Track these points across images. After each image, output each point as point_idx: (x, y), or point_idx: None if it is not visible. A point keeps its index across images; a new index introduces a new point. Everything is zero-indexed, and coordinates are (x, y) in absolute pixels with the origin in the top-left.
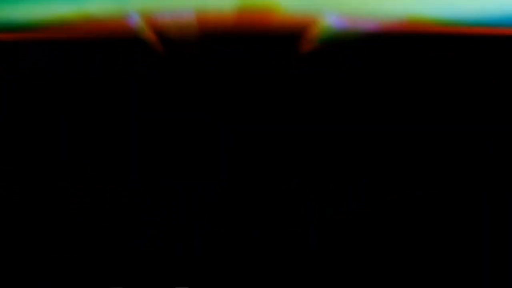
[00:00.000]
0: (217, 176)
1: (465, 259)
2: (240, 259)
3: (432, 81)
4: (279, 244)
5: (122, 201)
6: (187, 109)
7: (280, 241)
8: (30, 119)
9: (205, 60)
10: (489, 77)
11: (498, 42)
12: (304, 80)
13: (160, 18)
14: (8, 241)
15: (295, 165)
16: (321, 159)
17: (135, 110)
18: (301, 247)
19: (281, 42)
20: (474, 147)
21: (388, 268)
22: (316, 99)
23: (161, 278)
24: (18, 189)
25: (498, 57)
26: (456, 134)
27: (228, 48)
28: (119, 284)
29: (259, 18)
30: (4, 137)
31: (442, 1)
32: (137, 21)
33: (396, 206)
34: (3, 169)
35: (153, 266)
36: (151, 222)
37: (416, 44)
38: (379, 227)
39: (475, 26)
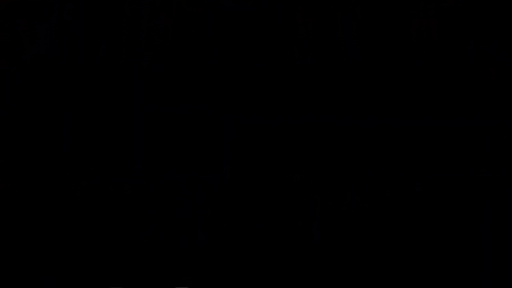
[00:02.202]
0: (220, 169)
1: (465, 252)
2: (243, 251)
3: (431, 76)
4: (282, 237)
5: (125, 194)
6: (191, 102)
7: (283, 234)
8: (34, 112)
9: (208, 54)
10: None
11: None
12: (308, 73)
13: None
14: (12, 232)
15: (298, 159)
16: (323, 152)
17: (138, 103)
18: (304, 240)
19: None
20: (473, 141)
21: (389, 261)
22: (319, 92)
23: (164, 270)
24: (22, 182)
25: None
26: (455, 129)
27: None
28: (121, 275)
29: None
30: (9, 130)
31: None
32: None
33: (396, 200)
34: (7, 162)
35: (156, 258)
36: (154, 215)
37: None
38: (381, 221)
39: None
